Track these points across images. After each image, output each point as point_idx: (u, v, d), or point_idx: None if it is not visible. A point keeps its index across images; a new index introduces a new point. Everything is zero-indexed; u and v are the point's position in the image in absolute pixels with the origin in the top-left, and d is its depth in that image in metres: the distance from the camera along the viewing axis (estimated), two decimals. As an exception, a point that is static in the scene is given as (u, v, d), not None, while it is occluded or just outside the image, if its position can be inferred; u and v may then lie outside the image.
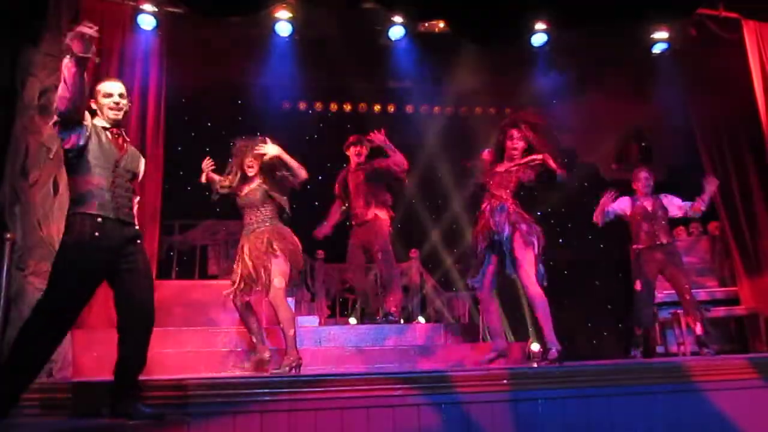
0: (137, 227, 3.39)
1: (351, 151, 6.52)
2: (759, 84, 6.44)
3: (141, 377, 3.32)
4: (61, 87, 3.05)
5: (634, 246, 5.91)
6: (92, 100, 3.41)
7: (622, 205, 5.95)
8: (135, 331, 3.23)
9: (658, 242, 5.80)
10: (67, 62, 3.02)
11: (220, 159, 8.74)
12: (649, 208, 5.89)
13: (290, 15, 6.51)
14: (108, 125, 3.40)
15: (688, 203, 5.95)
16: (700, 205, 5.88)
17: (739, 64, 6.57)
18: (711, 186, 5.92)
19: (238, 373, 5.07)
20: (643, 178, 5.98)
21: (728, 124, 7.21)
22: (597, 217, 5.84)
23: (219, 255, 7.73)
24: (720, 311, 6.88)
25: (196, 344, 5.41)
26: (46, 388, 3.67)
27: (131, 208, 3.39)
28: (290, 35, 6.73)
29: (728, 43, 6.67)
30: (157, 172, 5.91)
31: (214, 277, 7.43)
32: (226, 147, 8.76)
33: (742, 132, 7.06)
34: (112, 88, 3.43)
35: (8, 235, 4.26)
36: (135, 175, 3.46)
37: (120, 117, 3.43)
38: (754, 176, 6.90)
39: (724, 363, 4.22)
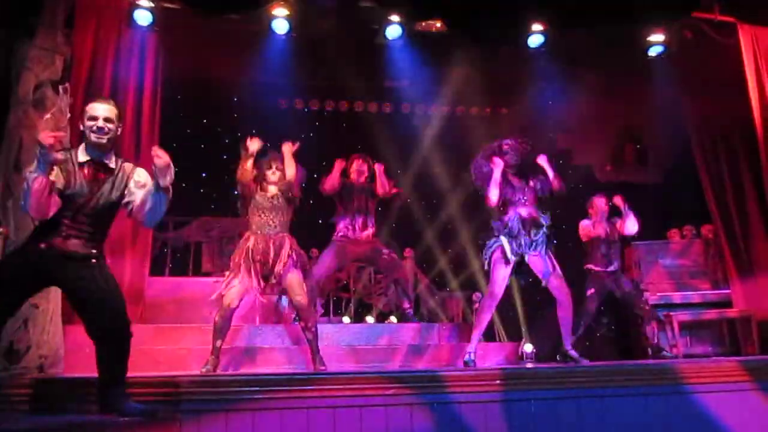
0: (93, 249, 3.21)
1: (354, 167, 6.41)
2: (754, 87, 6.46)
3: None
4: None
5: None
6: (80, 122, 3.28)
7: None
8: (104, 337, 3.19)
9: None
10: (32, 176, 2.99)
11: (214, 156, 8.79)
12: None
13: (287, 13, 6.49)
14: (88, 157, 3.22)
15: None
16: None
17: (734, 67, 6.59)
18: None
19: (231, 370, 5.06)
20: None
21: (723, 127, 7.23)
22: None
23: (213, 252, 7.71)
24: (712, 314, 6.90)
25: (189, 341, 5.39)
26: (37, 384, 3.66)
27: (89, 236, 3.20)
28: (287, 33, 6.71)
29: (724, 47, 6.69)
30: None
31: (208, 274, 7.40)
32: (221, 144, 8.77)
33: (736, 135, 7.08)
34: (97, 110, 3.24)
35: (1, 229, 4.24)
36: (111, 205, 3.30)
37: (103, 142, 3.23)
38: (748, 179, 6.92)
39: (716, 365, 4.24)
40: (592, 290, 6.24)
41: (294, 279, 4.81)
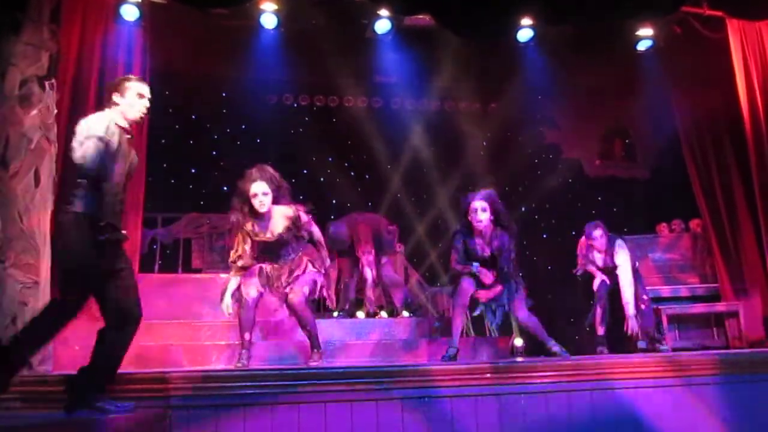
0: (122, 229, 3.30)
1: None
2: (742, 82, 6.49)
3: (123, 370, 3.30)
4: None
5: None
6: (116, 93, 3.30)
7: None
8: (124, 329, 3.20)
9: None
10: None
11: (203, 152, 8.74)
12: None
13: (276, 7, 6.47)
14: (125, 125, 3.31)
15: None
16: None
17: (723, 62, 6.63)
18: None
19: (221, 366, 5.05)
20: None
21: (711, 121, 7.27)
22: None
23: (202, 248, 7.68)
24: (701, 307, 6.95)
25: (178, 338, 5.37)
26: (26, 381, 3.63)
27: (122, 210, 3.32)
28: (276, 27, 6.68)
29: (712, 42, 6.72)
30: (140, 164, 5.80)
31: (198, 270, 7.38)
32: (210, 140, 8.67)
33: (724, 130, 7.13)
34: (146, 90, 3.39)
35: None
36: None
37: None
38: (736, 174, 6.97)
39: (705, 359, 4.27)
40: (597, 287, 6.03)
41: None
